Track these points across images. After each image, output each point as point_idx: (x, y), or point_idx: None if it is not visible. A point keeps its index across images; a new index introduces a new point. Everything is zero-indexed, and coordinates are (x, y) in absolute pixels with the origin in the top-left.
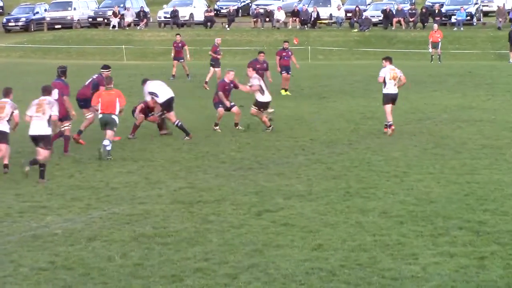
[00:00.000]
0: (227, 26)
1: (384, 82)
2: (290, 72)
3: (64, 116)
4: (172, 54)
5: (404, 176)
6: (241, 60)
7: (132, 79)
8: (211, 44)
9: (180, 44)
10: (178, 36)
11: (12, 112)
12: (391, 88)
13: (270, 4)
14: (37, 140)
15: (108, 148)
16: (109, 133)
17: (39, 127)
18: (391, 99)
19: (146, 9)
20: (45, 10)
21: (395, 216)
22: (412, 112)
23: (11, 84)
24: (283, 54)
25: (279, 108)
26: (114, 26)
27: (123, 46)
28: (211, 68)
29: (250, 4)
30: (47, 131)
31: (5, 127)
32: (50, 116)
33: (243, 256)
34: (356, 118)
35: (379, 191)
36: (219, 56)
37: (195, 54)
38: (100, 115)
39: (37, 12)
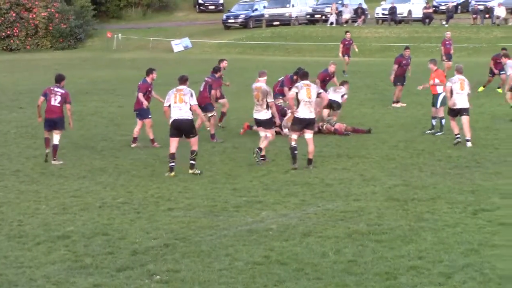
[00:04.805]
0: (445, 22)
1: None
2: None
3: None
4: (340, 52)
5: None
6: (459, 57)
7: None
8: (429, 41)
9: (350, 42)
10: (348, 33)
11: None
12: None
13: (490, 1)
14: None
15: None
16: None
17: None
18: None
19: (364, 6)
20: (264, 7)
21: None
22: None
23: (230, 79)
24: (403, 62)
25: (496, 106)
26: (331, 23)
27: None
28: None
29: (470, 1)
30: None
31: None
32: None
33: (458, 255)
34: None
35: None
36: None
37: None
38: None
39: (256, 9)
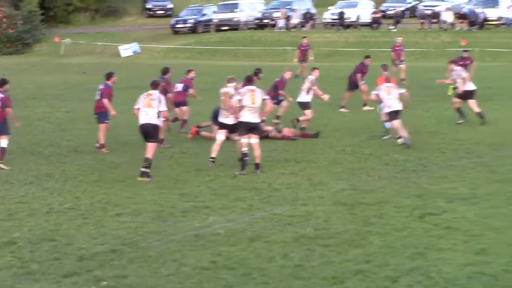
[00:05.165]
0: (393, 27)
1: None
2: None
3: None
4: (296, 58)
5: None
6: (407, 62)
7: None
8: (377, 46)
9: (307, 48)
10: (305, 39)
11: None
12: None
13: (438, 5)
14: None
15: None
16: None
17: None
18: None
19: (313, 11)
20: (213, 12)
21: None
22: None
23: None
24: (364, 71)
25: (444, 110)
26: (280, 28)
27: (289, 48)
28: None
29: (417, 5)
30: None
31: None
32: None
33: (404, 259)
34: None
35: None
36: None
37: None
38: None
39: (205, 14)
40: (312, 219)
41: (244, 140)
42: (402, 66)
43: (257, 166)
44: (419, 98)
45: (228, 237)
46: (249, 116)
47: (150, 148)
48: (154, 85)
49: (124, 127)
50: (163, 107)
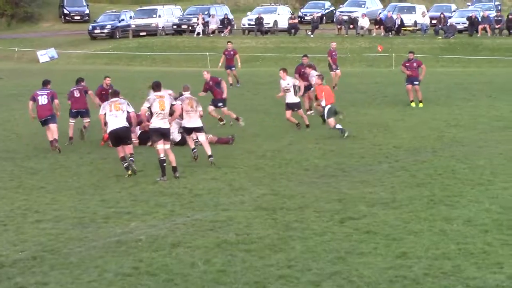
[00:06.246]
0: (310, 33)
1: None
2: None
3: None
4: (220, 63)
5: (489, 184)
6: (325, 67)
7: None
8: (295, 51)
9: (232, 52)
10: (229, 43)
11: None
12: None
13: (354, 11)
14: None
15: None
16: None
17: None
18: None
19: (230, 16)
20: (130, 17)
21: (480, 224)
22: (497, 120)
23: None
24: (302, 70)
25: (362, 115)
26: (198, 33)
27: (207, 53)
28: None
29: (334, 11)
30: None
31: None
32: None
33: (326, 263)
34: (440, 126)
35: (463, 199)
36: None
37: (279, 62)
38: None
39: (123, 20)
40: (233, 224)
41: (159, 146)
42: (338, 72)
43: (174, 168)
44: (337, 103)
45: (150, 243)
46: (159, 123)
47: (129, 148)
48: (115, 94)
49: (44, 134)
50: (131, 109)
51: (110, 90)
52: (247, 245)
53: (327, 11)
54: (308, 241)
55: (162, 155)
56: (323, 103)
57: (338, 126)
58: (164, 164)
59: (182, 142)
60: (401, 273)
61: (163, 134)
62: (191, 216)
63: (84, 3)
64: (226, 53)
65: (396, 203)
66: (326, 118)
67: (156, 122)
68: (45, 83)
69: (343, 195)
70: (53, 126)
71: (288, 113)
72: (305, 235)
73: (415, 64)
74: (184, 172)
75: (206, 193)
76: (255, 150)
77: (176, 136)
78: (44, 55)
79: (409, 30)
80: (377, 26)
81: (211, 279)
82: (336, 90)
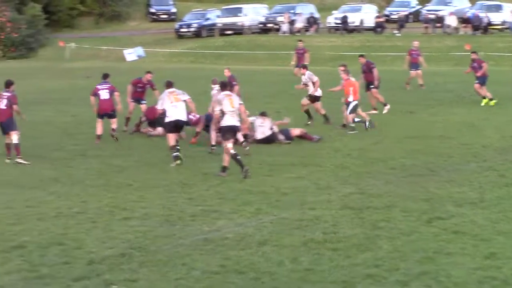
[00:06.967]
0: (397, 31)
1: None
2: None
3: None
4: (293, 61)
5: None
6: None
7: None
8: (380, 50)
9: (302, 51)
10: (300, 42)
11: None
12: None
13: (441, 10)
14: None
15: None
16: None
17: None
18: None
19: (316, 15)
20: (217, 16)
21: None
22: None
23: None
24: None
25: (450, 115)
26: (284, 32)
27: (293, 52)
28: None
29: (421, 10)
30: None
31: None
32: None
33: (413, 263)
34: None
35: None
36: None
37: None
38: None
39: (209, 18)
40: (320, 223)
41: (229, 144)
42: (419, 71)
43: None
44: (424, 102)
45: (237, 241)
46: (232, 120)
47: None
48: (170, 85)
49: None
50: (187, 96)
51: (147, 86)
52: (334, 244)
53: (413, 9)
54: (396, 240)
55: (233, 151)
56: (350, 98)
57: (357, 119)
58: (239, 157)
59: (270, 139)
60: (490, 274)
61: (236, 131)
62: (277, 215)
63: (171, 2)
64: (296, 51)
65: (485, 203)
66: (348, 113)
67: (229, 120)
68: (105, 76)
69: (431, 195)
70: (113, 120)
71: (305, 101)
72: (392, 235)
73: (475, 64)
74: (270, 171)
75: (292, 192)
76: (341, 149)
77: (266, 131)
78: (131, 54)
79: (497, 29)
80: (464, 25)
81: (298, 278)
82: (424, 89)
